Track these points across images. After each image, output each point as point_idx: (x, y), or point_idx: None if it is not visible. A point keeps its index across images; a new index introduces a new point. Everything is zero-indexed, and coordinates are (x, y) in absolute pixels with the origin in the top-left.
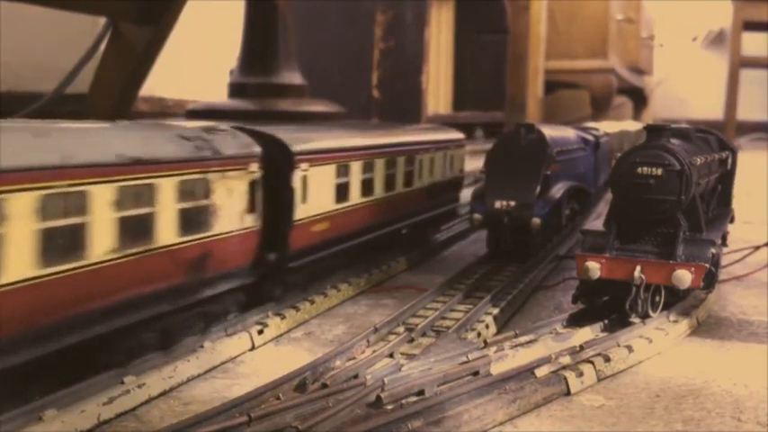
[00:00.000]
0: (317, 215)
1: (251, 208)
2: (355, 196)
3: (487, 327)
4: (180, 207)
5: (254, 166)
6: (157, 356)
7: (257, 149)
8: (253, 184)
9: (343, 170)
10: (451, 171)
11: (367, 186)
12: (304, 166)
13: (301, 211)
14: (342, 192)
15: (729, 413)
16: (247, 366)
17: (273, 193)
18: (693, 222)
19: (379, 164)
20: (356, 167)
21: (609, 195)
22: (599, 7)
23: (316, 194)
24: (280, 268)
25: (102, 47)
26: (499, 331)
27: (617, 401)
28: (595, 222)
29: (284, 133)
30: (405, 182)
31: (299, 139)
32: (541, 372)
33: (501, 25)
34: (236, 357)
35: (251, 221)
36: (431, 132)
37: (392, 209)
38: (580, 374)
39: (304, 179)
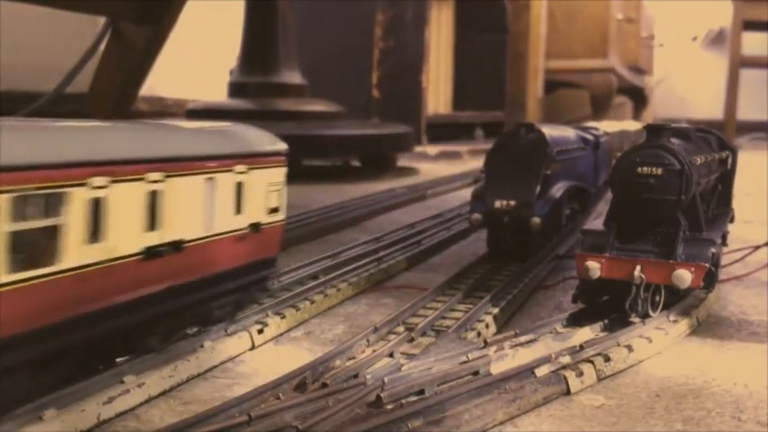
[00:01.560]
0: None
1: None
2: None
3: (487, 326)
4: None
5: None
6: (157, 356)
7: None
8: None
9: None
10: (242, 216)
11: None
12: None
13: None
14: None
15: (729, 413)
16: (247, 366)
17: None
18: (693, 222)
19: None
20: None
21: (609, 195)
22: (599, 7)
23: None
24: None
25: (102, 47)
26: (499, 331)
27: (617, 401)
28: (595, 222)
29: None
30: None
31: None
32: (541, 371)
33: (501, 25)
34: (235, 357)
35: None
36: (165, 138)
37: None
38: (580, 374)
39: None
